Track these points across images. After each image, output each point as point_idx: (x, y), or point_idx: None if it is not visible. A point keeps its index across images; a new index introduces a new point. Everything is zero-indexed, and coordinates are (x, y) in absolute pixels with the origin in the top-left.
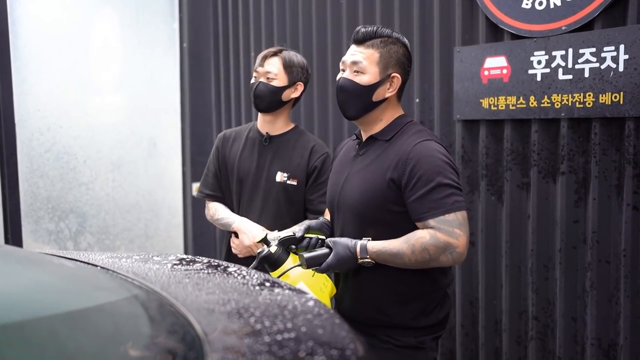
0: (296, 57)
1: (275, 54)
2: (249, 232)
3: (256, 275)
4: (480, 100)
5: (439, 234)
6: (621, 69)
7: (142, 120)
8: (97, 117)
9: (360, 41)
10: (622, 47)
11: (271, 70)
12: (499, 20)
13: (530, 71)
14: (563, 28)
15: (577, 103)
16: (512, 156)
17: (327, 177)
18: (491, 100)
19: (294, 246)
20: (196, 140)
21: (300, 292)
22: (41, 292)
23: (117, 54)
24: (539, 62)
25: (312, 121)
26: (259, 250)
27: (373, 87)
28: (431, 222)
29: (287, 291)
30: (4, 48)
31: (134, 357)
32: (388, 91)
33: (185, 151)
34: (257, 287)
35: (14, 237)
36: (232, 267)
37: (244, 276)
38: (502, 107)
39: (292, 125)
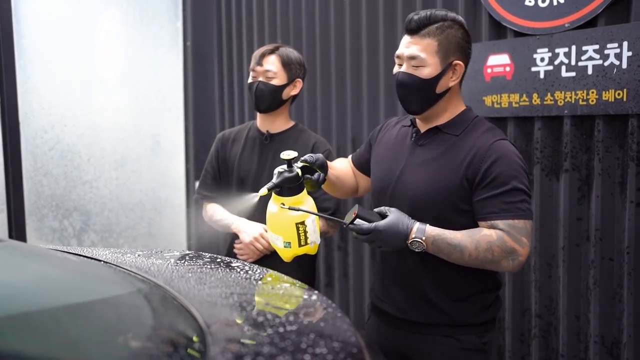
0: (293, 53)
1: (272, 51)
2: (249, 230)
3: (258, 271)
4: (484, 98)
5: (506, 237)
6: (624, 66)
7: (146, 119)
8: (101, 115)
9: (414, 30)
10: (625, 44)
11: (270, 68)
12: (501, 18)
13: (534, 68)
14: (566, 25)
15: (581, 100)
16: None
17: None
18: (494, 98)
19: (309, 176)
20: (199, 139)
21: (303, 286)
22: (46, 284)
23: (121, 53)
24: (542, 60)
25: (315, 118)
26: (280, 170)
27: (436, 79)
28: (500, 223)
29: (288, 285)
30: (9, 46)
31: (137, 348)
32: (451, 80)
33: (189, 149)
34: (260, 282)
35: (18, 234)
36: (235, 263)
37: (246, 271)
38: (505, 104)
39: (292, 123)
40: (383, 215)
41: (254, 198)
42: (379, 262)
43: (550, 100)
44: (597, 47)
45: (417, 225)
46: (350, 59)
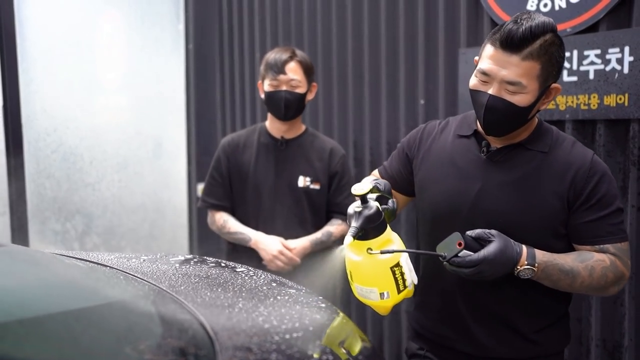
0: (307, 57)
1: (291, 57)
2: (267, 248)
3: (263, 276)
4: None
5: (618, 262)
6: (626, 70)
7: (148, 121)
8: (102, 117)
9: (516, 48)
10: (627, 49)
11: (294, 77)
12: (504, 22)
13: None
14: (568, 30)
15: (582, 105)
16: None
17: (348, 177)
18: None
19: (386, 205)
20: (201, 141)
21: (309, 292)
22: (49, 290)
23: (123, 55)
24: None
25: (317, 121)
26: (356, 209)
27: (532, 107)
28: (610, 247)
29: (294, 290)
30: (11, 49)
31: (143, 354)
32: (544, 103)
33: (191, 152)
34: (265, 287)
35: (21, 237)
36: (240, 268)
37: (251, 276)
38: None
39: (303, 127)
40: (483, 240)
41: (340, 252)
42: (435, 296)
43: (553, 104)
44: (598, 52)
45: (525, 250)
46: (352, 60)
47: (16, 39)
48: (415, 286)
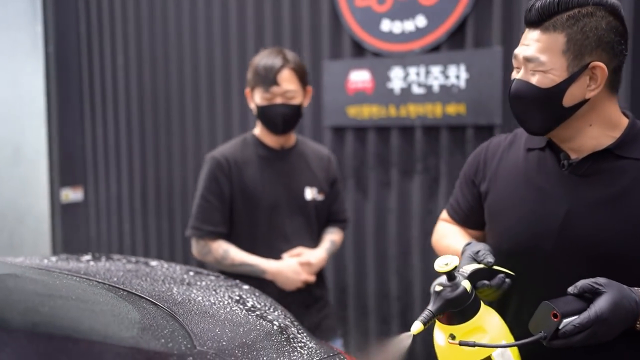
0: (297, 58)
1: (283, 65)
2: (290, 280)
3: (178, 267)
4: (347, 110)
5: None
6: (463, 85)
7: (5, 126)
8: None
9: (536, 22)
10: (462, 66)
11: (289, 88)
12: (361, 41)
13: (390, 85)
14: (416, 50)
15: (430, 113)
16: (375, 158)
17: (340, 181)
18: (356, 110)
19: (487, 282)
20: (64, 146)
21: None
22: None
23: None
24: (397, 77)
25: (185, 129)
26: (437, 288)
27: (559, 89)
28: None
29: (213, 277)
30: None
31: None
32: (589, 90)
33: (53, 157)
34: (185, 276)
35: None
36: (153, 262)
37: (167, 268)
38: (366, 116)
39: (294, 134)
40: (590, 292)
41: (407, 340)
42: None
43: (405, 112)
44: (442, 68)
45: None
46: (220, 68)
47: None
48: None
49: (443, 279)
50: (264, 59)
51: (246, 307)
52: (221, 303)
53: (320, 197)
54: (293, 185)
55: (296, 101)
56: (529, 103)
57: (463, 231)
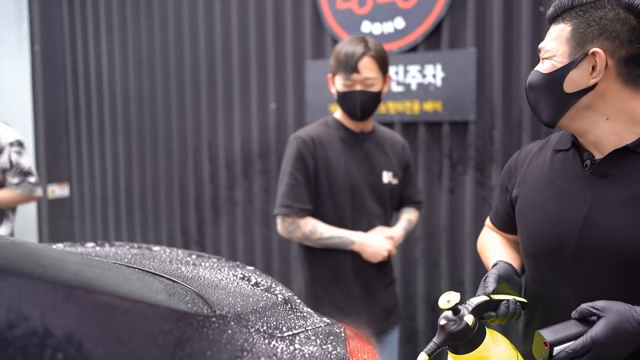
0: (379, 45)
1: (364, 53)
2: (377, 249)
3: (180, 252)
4: (329, 107)
5: None
6: (439, 83)
7: None
8: None
9: (553, 18)
10: (439, 66)
11: (369, 75)
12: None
13: None
14: (395, 50)
15: (408, 110)
16: None
17: (413, 166)
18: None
19: (493, 313)
20: (50, 141)
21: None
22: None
23: None
24: None
25: (171, 124)
26: (442, 322)
27: (560, 74)
28: None
29: (215, 259)
30: None
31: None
32: (591, 77)
33: (40, 153)
34: (188, 258)
35: None
36: (155, 247)
37: (169, 253)
38: None
39: (372, 120)
40: (591, 316)
41: None
42: None
43: (384, 109)
44: (419, 67)
45: None
46: (205, 66)
47: None
48: None
49: (449, 312)
50: (346, 46)
51: (251, 283)
52: (228, 279)
53: (395, 181)
54: (372, 168)
55: (375, 88)
56: (537, 90)
57: (503, 239)
